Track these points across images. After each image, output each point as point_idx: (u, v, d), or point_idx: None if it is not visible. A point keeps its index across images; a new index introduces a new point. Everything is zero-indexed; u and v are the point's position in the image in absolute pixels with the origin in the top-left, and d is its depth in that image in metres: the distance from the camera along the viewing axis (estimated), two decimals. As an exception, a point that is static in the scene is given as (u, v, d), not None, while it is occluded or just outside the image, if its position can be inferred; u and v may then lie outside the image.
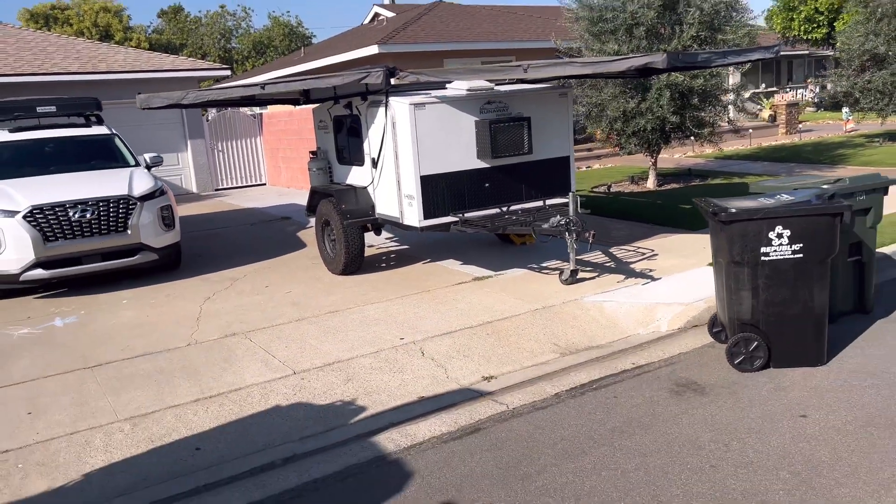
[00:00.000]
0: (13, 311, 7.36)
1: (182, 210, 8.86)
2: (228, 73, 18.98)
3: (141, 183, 8.24)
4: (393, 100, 6.92)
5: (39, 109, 9.20)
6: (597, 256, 7.82)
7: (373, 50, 15.82)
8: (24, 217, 7.42)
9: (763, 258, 4.62)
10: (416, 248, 9.11)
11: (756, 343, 4.74)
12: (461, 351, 5.45)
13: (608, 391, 4.69)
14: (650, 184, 12.10)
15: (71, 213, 7.56)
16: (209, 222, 12.43)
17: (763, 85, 34.27)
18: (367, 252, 8.38)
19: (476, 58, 17.10)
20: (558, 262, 7.52)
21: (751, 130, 19.27)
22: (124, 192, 7.92)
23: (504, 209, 7.23)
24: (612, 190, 12.09)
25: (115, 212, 7.78)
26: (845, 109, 19.70)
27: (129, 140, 9.57)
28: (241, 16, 47.22)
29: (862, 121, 19.31)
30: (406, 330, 5.89)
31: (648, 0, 10.26)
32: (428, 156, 6.83)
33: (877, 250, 7.43)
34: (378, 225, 8.01)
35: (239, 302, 7.13)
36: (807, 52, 32.68)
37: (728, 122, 11.83)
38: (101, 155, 9.07)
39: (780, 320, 4.70)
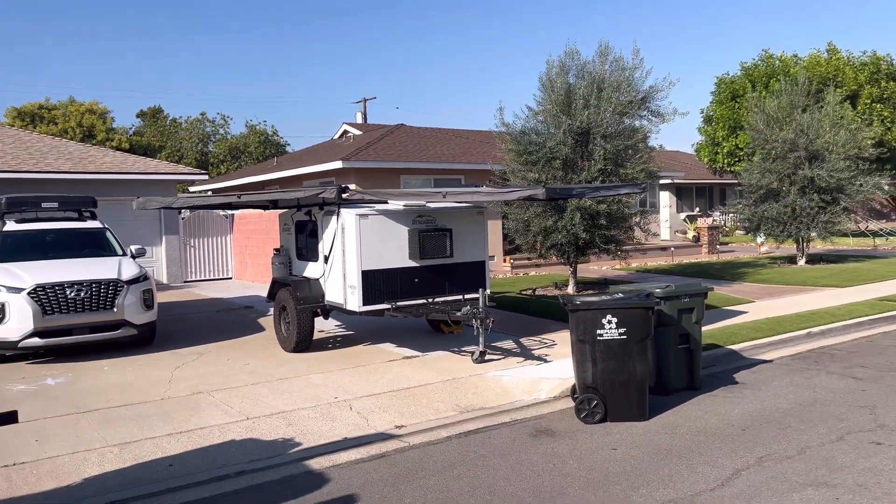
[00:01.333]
0: (8, 373, 8.65)
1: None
2: (206, 176, 20.92)
3: (128, 269, 9.79)
4: (343, 210, 8.75)
5: (44, 205, 10.84)
6: (507, 344, 9.49)
7: (338, 164, 17.91)
8: (29, 293, 8.87)
9: (599, 337, 6.36)
10: (360, 333, 10.69)
11: (596, 402, 6.39)
12: (382, 407, 6.97)
13: (485, 434, 6.25)
14: (570, 289, 14.00)
15: (68, 292, 9.03)
16: (179, 308, 13.86)
17: (697, 209, 37.60)
18: (318, 336, 9.94)
19: (430, 176, 19.37)
20: (476, 347, 9.15)
21: (673, 249, 21.65)
22: (114, 276, 9.45)
23: (429, 300, 8.94)
24: (536, 293, 13.96)
25: (106, 292, 9.27)
26: (759, 233, 22.30)
27: (111, 232, 11.19)
28: (220, 122, 49.96)
29: (769, 243, 21.85)
30: (340, 392, 7.40)
31: (563, 139, 12.55)
32: (369, 255, 8.59)
33: (728, 346, 9.33)
34: (326, 310, 9.63)
35: (204, 370, 8.56)
36: (736, 181, 36.30)
37: (633, 240, 13.91)
38: (95, 244, 10.66)
39: (612, 385, 6.38)
